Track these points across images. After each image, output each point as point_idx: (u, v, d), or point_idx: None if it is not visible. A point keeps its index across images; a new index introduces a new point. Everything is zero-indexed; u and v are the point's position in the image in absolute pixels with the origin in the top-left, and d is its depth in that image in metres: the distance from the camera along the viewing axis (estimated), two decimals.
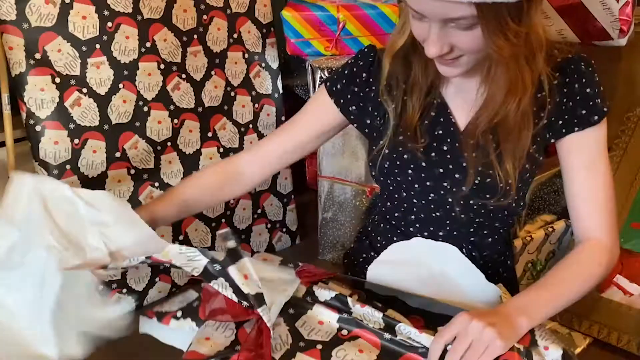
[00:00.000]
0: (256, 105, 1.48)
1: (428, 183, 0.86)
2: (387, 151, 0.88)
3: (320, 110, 0.92)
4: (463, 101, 0.86)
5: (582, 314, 1.23)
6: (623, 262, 1.25)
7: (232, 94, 1.44)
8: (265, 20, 1.46)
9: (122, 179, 1.27)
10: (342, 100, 0.90)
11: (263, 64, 1.48)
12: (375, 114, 0.88)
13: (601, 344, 1.22)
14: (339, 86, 0.90)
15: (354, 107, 0.90)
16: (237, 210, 1.48)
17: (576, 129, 0.82)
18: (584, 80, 0.81)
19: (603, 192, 0.83)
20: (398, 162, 0.87)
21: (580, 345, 0.80)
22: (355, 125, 0.91)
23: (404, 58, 0.84)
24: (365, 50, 0.91)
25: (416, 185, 0.87)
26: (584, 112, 0.81)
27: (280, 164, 0.92)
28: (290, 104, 1.58)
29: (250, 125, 1.48)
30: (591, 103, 0.81)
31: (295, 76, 1.61)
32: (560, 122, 0.82)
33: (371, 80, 0.89)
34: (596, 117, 0.82)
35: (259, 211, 1.53)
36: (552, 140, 0.84)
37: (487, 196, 0.85)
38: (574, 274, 0.79)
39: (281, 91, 1.52)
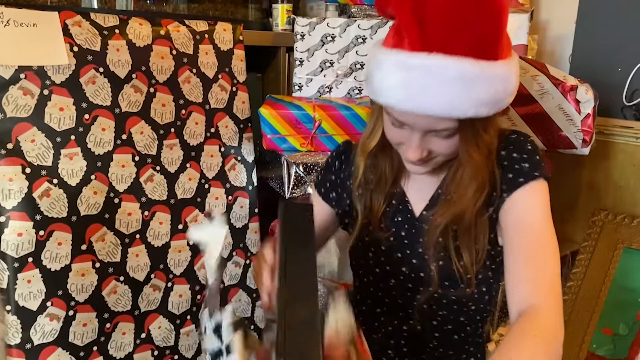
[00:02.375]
0: (230, 198, 1.48)
1: (387, 268, 0.89)
2: (350, 230, 0.94)
3: (316, 208, 0.95)
4: (421, 192, 0.91)
5: None
6: None
7: (206, 186, 1.43)
8: (243, 116, 1.49)
9: (86, 272, 1.22)
10: (322, 190, 0.97)
11: (239, 157, 1.49)
12: (345, 196, 0.95)
13: None
14: (319, 177, 0.99)
15: (333, 194, 0.97)
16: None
17: (504, 194, 0.84)
18: (511, 147, 0.86)
19: (539, 251, 0.76)
20: (360, 244, 0.91)
21: None
22: (336, 210, 0.97)
23: (374, 157, 0.89)
24: (340, 146, 1.00)
25: (377, 270, 0.89)
26: (510, 175, 0.84)
27: None
28: (264, 195, 1.58)
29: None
30: (517, 166, 0.85)
31: (270, 169, 1.62)
32: (495, 193, 0.85)
33: (343, 166, 0.96)
34: (521, 179, 0.83)
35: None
36: (494, 215, 0.85)
37: (446, 284, 0.86)
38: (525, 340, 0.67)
39: (255, 184, 1.52)
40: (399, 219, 0.90)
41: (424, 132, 0.77)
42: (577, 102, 1.27)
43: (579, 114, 1.27)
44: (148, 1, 1.53)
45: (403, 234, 0.89)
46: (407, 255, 0.89)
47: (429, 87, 0.70)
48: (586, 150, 1.31)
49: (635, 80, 1.47)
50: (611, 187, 1.52)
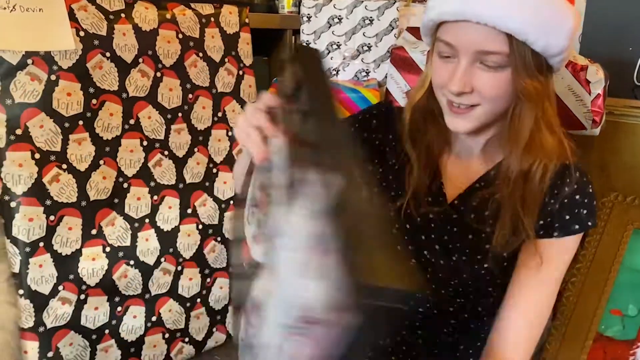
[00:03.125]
0: None
1: (410, 247, 0.85)
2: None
3: None
4: (458, 180, 0.87)
5: None
6: (606, 350, 1.24)
7: (214, 170, 1.43)
8: (250, 100, 1.49)
9: (97, 256, 1.23)
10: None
11: None
12: (376, 161, 0.89)
13: None
14: (352, 129, 0.90)
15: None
16: (214, 289, 1.44)
17: (555, 234, 0.82)
18: (575, 186, 0.82)
19: (541, 316, 0.82)
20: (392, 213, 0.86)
21: None
22: None
23: (422, 114, 0.85)
24: (382, 102, 0.93)
25: (398, 247, 0.87)
26: (567, 217, 0.82)
27: None
28: None
29: (231, 202, 1.47)
30: (576, 211, 0.82)
31: None
32: (542, 222, 0.82)
33: (380, 128, 0.89)
34: (577, 227, 0.81)
35: None
36: (526, 240, 0.83)
37: (464, 276, 0.85)
38: None
39: None
40: (429, 199, 0.87)
41: (472, 60, 0.74)
42: (588, 82, 1.25)
43: (589, 95, 1.26)
44: None
45: (431, 216, 0.87)
46: (431, 240, 0.87)
47: None
48: (596, 131, 1.29)
49: None
50: (621, 168, 1.51)
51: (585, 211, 0.82)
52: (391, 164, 0.89)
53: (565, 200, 0.82)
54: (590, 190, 0.84)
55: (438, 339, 0.91)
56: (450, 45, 0.75)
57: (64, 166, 1.17)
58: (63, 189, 1.17)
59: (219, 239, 1.44)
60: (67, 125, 1.17)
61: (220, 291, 1.45)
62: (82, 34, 1.18)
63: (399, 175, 0.86)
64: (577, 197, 0.82)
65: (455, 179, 0.88)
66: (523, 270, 0.83)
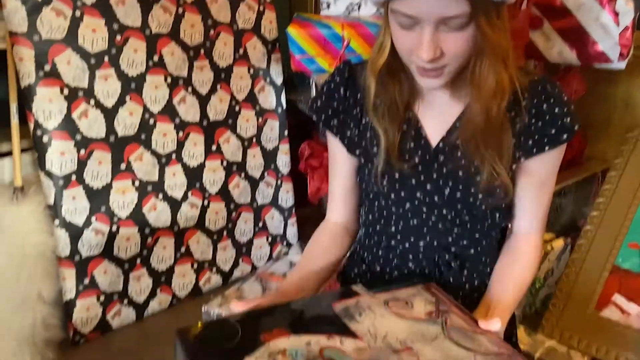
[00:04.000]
0: (260, 120, 1.50)
1: (402, 194, 0.89)
2: (362, 160, 0.91)
3: (334, 147, 0.96)
4: (435, 118, 0.90)
5: (581, 332, 1.24)
6: (621, 282, 1.26)
7: (237, 108, 1.45)
8: (271, 37, 1.49)
9: (127, 190, 1.28)
10: (323, 116, 0.94)
11: (267, 79, 1.50)
12: (352, 125, 0.92)
13: None
14: (319, 103, 0.94)
15: (335, 121, 0.93)
16: (239, 223, 1.49)
17: (547, 147, 0.86)
18: (552, 100, 0.85)
19: (546, 205, 0.92)
20: (372, 171, 0.90)
21: None
22: (337, 137, 0.95)
23: (383, 80, 0.87)
24: (341, 66, 0.95)
25: (392, 195, 0.90)
26: (553, 131, 0.85)
27: (356, 197, 0.98)
28: (293, 118, 1.59)
29: (254, 139, 1.50)
30: (560, 122, 0.85)
31: (299, 91, 1.63)
32: (531, 141, 0.86)
33: (348, 94, 0.92)
34: (565, 136, 0.86)
35: (260, 224, 1.54)
36: (522, 160, 0.87)
37: (459, 206, 0.88)
38: (527, 276, 0.88)
39: (284, 106, 1.54)
40: (411, 145, 0.89)
41: (435, 25, 0.75)
42: (616, 13, 1.22)
43: (617, 26, 1.23)
44: None
45: (417, 160, 0.89)
46: (421, 182, 0.90)
47: None
48: (622, 65, 1.27)
49: None
50: None
51: (567, 119, 0.86)
52: (365, 122, 0.92)
53: (547, 117, 0.85)
54: (566, 98, 0.88)
55: (439, 269, 0.95)
56: (410, 16, 0.75)
57: (92, 102, 1.21)
58: (92, 124, 1.21)
59: (242, 175, 1.47)
60: (93, 61, 1.20)
61: (245, 225, 1.50)
62: None
63: (376, 131, 0.89)
64: (557, 109, 0.86)
65: (434, 123, 0.91)
66: (524, 187, 0.88)
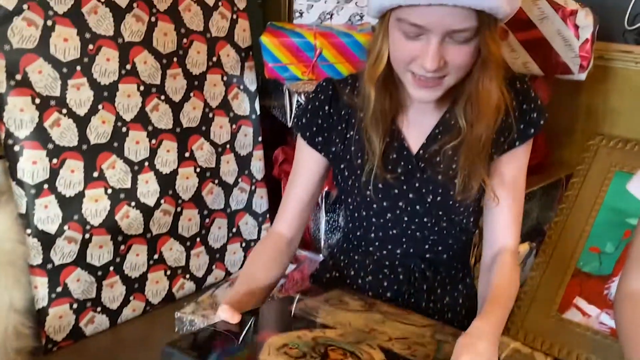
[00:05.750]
0: (234, 126, 1.52)
1: (385, 203, 0.93)
2: (346, 173, 0.94)
3: (305, 157, 0.98)
4: (415, 126, 0.93)
5: (544, 334, 1.29)
6: (582, 285, 1.32)
7: (210, 115, 1.47)
8: (244, 45, 1.50)
9: (99, 198, 1.28)
10: (308, 133, 0.96)
11: (241, 86, 1.52)
12: (337, 140, 0.95)
13: None
14: (304, 120, 0.97)
15: (320, 138, 0.96)
16: (213, 229, 1.50)
17: (517, 143, 0.91)
18: (520, 97, 0.90)
19: (519, 205, 0.94)
20: (356, 182, 0.93)
21: None
22: (322, 154, 0.98)
23: (383, 88, 0.88)
24: (324, 84, 0.98)
25: (374, 205, 0.93)
26: (522, 126, 0.90)
27: (308, 213, 1.01)
28: (267, 124, 1.61)
29: (228, 146, 1.51)
30: (528, 118, 0.91)
31: (273, 98, 1.65)
32: (502, 138, 0.90)
33: (332, 111, 0.95)
34: (532, 130, 0.92)
35: (234, 230, 1.55)
36: (495, 157, 0.91)
37: (440, 213, 0.92)
38: (513, 287, 0.89)
39: (258, 112, 1.56)
40: (394, 156, 0.92)
41: (443, 37, 0.77)
42: (576, 27, 1.27)
43: (577, 40, 1.28)
44: None
45: (399, 170, 0.92)
46: (404, 191, 0.93)
47: None
48: (583, 76, 1.32)
49: (638, 4, 1.45)
50: (608, 112, 1.54)
51: (535, 114, 0.90)
52: (350, 135, 0.94)
53: (517, 113, 0.89)
54: (533, 94, 0.92)
55: (414, 276, 0.98)
56: (418, 26, 0.77)
57: (64, 111, 1.21)
58: (64, 133, 1.21)
59: (216, 181, 1.49)
60: (65, 70, 1.20)
61: (218, 231, 1.52)
62: None
63: (362, 144, 0.91)
64: (525, 105, 0.90)
65: (414, 130, 0.94)
66: (497, 189, 0.91)
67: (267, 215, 1.61)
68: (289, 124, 1.48)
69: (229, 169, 1.52)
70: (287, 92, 1.46)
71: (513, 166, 0.94)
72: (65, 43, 1.19)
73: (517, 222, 0.95)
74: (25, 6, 1.13)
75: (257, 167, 1.57)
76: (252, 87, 1.54)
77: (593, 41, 1.29)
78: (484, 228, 0.97)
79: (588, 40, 1.27)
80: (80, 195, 1.25)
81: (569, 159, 1.61)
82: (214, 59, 1.45)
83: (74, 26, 1.20)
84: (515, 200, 0.94)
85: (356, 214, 0.99)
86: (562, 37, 1.29)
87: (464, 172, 0.88)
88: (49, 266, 1.21)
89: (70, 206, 1.24)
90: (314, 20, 1.58)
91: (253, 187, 1.57)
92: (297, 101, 1.44)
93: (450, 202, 0.93)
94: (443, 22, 0.75)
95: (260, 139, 1.57)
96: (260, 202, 1.59)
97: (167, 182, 1.39)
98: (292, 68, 1.49)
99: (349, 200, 0.99)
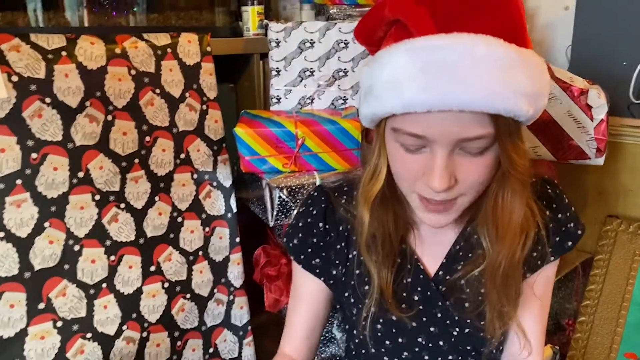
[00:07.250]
0: (207, 229, 1.33)
1: (400, 340, 0.76)
2: (352, 301, 0.79)
3: (303, 282, 0.84)
4: (434, 249, 0.78)
5: None
6: None
7: (179, 219, 1.28)
8: (217, 137, 1.33)
9: (47, 334, 1.06)
10: (302, 256, 0.81)
11: (214, 183, 1.34)
12: (337, 262, 0.80)
13: None
14: (295, 241, 0.82)
15: (317, 260, 0.81)
16: (186, 353, 1.28)
17: (552, 258, 0.78)
18: (554, 205, 0.75)
19: (545, 324, 0.82)
20: (364, 314, 0.76)
21: None
22: (321, 279, 0.82)
23: (380, 208, 0.74)
24: (315, 194, 0.83)
25: (387, 342, 0.76)
26: (557, 239, 0.77)
27: (319, 332, 0.87)
28: (244, 220, 1.43)
29: (200, 253, 1.32)
30: (564, 229, 0.77)
31: (250, 190, 1.47)
32: (535, 253, 0.77)
33: (328, 227, 0.80)
34: (570, 243, 0.78)
35: (211, 350, 1.34)
36: (528, 275, 0.79)
37: (468, 348, 0.76)
38: None
39: (235, 210, 1.37)
40: (408, 281, 0.76)
41: (451, 148, 0.60)
42: (589, 107, 1.15)
43: (592, 121, 1.15)
44: (112, 12, 1.35)
45: (416, 298, 0.76)
46: (423, 323, 0.76)
47: (457, 69, 0.53)
48: (600, 161, 1.19)
49: None
50: (621, 191, 1.41)
51: (572, 224, 0.78)
52: (352, 256, 0.79)
53: (551, 225, 0.75)
54: (567, 201, 0.80)
55: None
56: (419, 137, 0.60)
57: (1, 234, 1.01)
58: (1, 261, 1.00)
59: (187, 296, 1.28)
60: (2, 186, 1.01)
61: (193, 354, 1.30)
62: (15, 78, 1.01)
63: (367, 267, 0.76)
64: (560, 215, 0.77)
65: (430, 249, 0.79)
66: (523, 305, 0.79)
67: (249, 328, 1.40)
68: (270, 223, 1.30)
69: (202, 279, 1.31)
70: (267, 187, 1.29)
71: (543, 282, 0.81)
72: (3, 154, 1.00)
73: (543, 338, 0.82)
74: None
75: (235, 272, 1.38)
76: (227, 183, 1.36)
77: (608, 121, 1.16)
78: (505, 347, 0.81)
79: (603, 120, 1.15)
80: (22, 334, 1.03)
81: (583, 245, 1.46)
82: (182, 155, 1.27)
83: (13, 134, 1.01)
84: (542, 317, 0.81)
85: (363, 351, 0.81)
86: (574, 118, 1.16)
87: (492, 306, 0.73)
88: None
89: (9, 349, 1.01)
90: (293, 106, 1.42)
91: (231, 297, 1.37)
92: (280, 197, 1.27)
93: (482, 334, 0.76)
94: (449, 130, 0.59)
95: (237, 239, 1.38)
96: (240, 314, 1.38)
97: (129, 304, 1.18)
98: (271, 160, 1.33)
99: (354, 334, 0.82)
